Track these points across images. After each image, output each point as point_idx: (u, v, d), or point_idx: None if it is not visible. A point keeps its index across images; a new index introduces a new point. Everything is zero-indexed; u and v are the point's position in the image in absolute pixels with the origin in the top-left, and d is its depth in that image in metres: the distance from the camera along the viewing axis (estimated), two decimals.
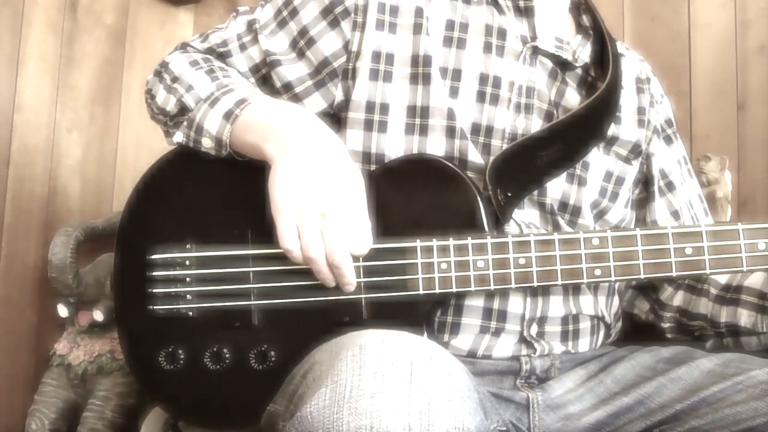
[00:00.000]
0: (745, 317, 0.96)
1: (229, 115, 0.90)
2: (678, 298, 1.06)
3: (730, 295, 0.99)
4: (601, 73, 1.00)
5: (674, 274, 0.86)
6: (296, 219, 0.83)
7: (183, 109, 0.96)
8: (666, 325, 1.07)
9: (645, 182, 1.08)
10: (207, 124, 0.91)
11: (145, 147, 1.82)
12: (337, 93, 0.96)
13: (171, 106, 0.97)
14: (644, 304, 1.11)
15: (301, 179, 0.83)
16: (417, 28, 0.96)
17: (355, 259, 0.85)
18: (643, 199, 1.09)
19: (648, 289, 1.10)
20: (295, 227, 0.83)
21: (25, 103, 1.61)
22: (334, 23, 0.96)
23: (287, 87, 0.98)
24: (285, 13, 0.99)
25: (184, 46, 1.06)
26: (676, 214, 1.07)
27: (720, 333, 1.00)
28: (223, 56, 1.02)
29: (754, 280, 0.97)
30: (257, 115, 0.89)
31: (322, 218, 0.82)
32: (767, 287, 0.95)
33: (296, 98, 0.98)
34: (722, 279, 1.01)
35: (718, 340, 1.01)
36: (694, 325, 1.04)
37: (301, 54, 0.98)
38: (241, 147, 0.91)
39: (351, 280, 0.85)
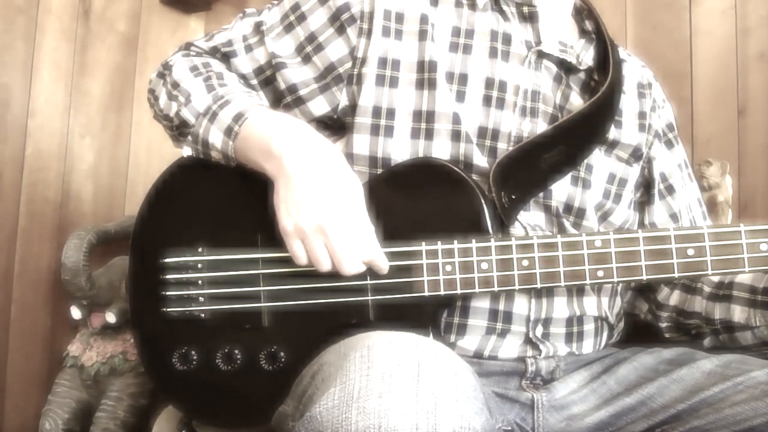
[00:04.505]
0: (738, 313, 0.96)
1: (229, 132, 0.91)
2: (674, 298, 1.06)
3: (723, 291, 0.99)
4: (604, 76, 1.01)
5: (676, 275, 0.86)
6: (301, 238, 0.86)
7: (184, 123, 0.97)
8: (664, 324, 1.08)
9: (646, 185, 1.09)
10: (212, 140, 0.93)
11: (156, 152, 1.83)
12: (342, 98, 0.97)
13: (172, 114, 0.99)
14: (643, 304, 1.11)
15: (299, 199, 0.85)
16: (422, 35, 0.96)
17: (368, 263, 0.87)
18: (644, 202, 1.09)
19: (646, 290, 1.10)
20: (302, 246, 0.86)
21: (39, 109, 1.63)
22: (341, 30, 0.97)
23: (292, 89, 0.99)
24: (292, 17, 1.00)
25: (187, 46, 1.06)
26: (674, 217, 1.08)
27: (715, 330, 1.00)
28: (227, 56, 1.02)
29: (745, 276, 0.97)
30: (255, 131, 0.90)
31: (323, 234, 0.85)
32: (758, 282, 0.95)
33: (300, 101, 0.99)
34: (715, 276, 1.01)
35: (715, 338, 1.02)
36: (690, 323, 1.04)
37: (307, 59, 0.98)
38: (244, 161, 0.92)
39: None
